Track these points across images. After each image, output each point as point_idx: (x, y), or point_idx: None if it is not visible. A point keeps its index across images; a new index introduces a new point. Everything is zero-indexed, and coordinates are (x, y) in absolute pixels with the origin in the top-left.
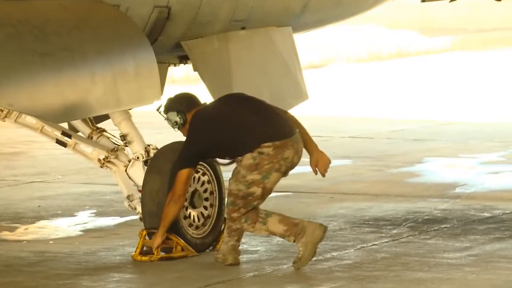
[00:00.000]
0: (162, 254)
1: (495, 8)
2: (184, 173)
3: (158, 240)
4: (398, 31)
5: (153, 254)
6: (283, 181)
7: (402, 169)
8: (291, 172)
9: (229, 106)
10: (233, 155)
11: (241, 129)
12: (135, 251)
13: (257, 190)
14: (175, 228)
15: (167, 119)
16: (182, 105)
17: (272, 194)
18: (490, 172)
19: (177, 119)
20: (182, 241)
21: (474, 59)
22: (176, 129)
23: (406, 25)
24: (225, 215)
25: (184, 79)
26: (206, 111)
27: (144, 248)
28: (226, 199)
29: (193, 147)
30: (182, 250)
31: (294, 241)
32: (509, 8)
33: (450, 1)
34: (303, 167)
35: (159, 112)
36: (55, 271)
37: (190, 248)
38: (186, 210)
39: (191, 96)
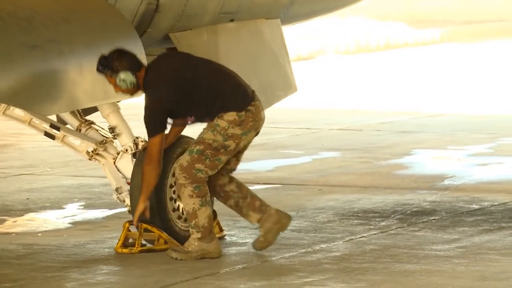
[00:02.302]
0: (144, 246)
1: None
2: (158, 139)
3: (140, 206)
4: (387, 23)
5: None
6: (272, 174)
7: (391, 161)
8: (281, 164)
9: (192, 65)
10: (207, 113)
11: (223, 88)
12: (117, 243)
13: (232, 145)
14: (164, 220)
15: (120, 80)
16: (134, 63)
17: (261, 186)
18: (479, 164)
19: (134, 80)
20: (165, 234)
21: (462, 51)
22: (124, 92)
23: (394, 17)
24: (181, 163)
25: None
26: (168, 68)
27: (130, 240)
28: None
29: (161, 108)
30: (165, 243)
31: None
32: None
33: None
34: (292, 159)
35: (100, 71)
36: (44, 264)
37: (174, 241)
38: (175, 202)
39: (132, 53)
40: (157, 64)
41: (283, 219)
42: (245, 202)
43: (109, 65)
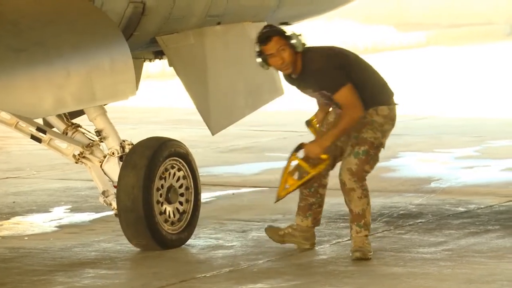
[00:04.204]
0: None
1: (469, 3)
2: (349, 87)
3: (317, 149)
4: (374, 26)
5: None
6: (259, 177)
7: (377, 164)
8: (268, 167)
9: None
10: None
11: (378, 78)
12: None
13: (385, 142)
14: (151, 223)
15: (296, 39)
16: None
17: (248, 190)
18: (465, 167)
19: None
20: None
21: (448, 54)
22: (289, 62)
23: (381, 20)
24: (350, 167)
25: (159, 74)
26: (325, 47)
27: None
28: (351, 148)
29: (334, 66)
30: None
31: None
32: (483, 3)
33: None
34: (279, 163)
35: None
36: (30, 267)
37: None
38: (162, 205)
39: None
40: (310, 48)
41: (306, 243)
42: (317, 209)
43: (275, 30)
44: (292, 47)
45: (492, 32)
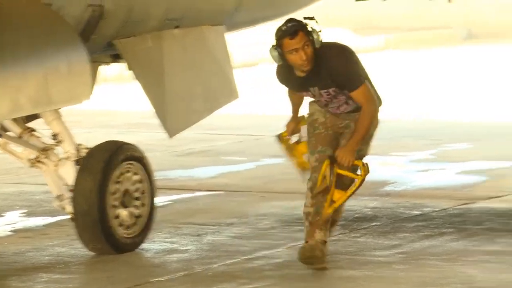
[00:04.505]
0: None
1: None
2: (366, 84)
3: (350, 156)
4: (332, 29)
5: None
6: (215, 180)
7: None
8: (224, 170)
9: None
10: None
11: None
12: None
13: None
14: (105, 227)
15: (317, 34)
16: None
17: (204, 193)
18: (421, 170)
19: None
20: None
21: (406, 57)
22: (310, 56)
23: (339, 23)
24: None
25: (117, 78)
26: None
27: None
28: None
29: (355, 64)
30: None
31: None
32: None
33: (383, 0)
34: (235, 166)
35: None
36: None
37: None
38: (117, 209)
39: None
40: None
41: (307, 261)
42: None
43: (301, 25)
44: (313, 43)
45: (449, 36)
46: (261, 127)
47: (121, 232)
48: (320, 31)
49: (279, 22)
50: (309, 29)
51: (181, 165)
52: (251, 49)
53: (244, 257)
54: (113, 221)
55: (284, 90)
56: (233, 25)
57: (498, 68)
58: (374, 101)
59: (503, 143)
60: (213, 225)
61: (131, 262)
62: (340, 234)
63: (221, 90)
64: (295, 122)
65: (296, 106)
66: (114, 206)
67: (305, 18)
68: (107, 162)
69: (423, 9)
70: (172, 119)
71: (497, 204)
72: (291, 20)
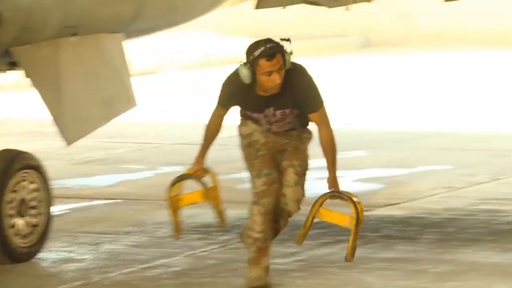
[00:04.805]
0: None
1: (327, 15)
2: (324, 107)
3: (337, 184)
4: (231, 38)
5: None
6: (112, 189)
7: (233, 175)
8: (122, 179)
9: None
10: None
11: None
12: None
13: None
14: (1, 236)
15: (286, 60)
16: None
17: (101, 202)
18: (318, 178)
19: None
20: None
21: (306, 65)
22: (278, 69)
23: (238, 31)
24: (298, 198)
25: (13, 85)
26: None
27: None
28: (297, 176)
29: (316, 85)
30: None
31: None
32: (339, 15)
33: (282, 8)
34: (133, 174)
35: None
36: None
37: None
38: (13, 219)
39: None
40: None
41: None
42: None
43: (279, 46)
44: (285, 65)
45: (347, 44)
46: (159, 136)
47: (17, 241)
48: (291, 53)
49: (176, 29)
50: (285, 51)
51: (79, 173)
52: (149, 57)
53: (142, 266)
54: (9, 230)
55: (184, 98)
56: (132, 33)
57: (394, 76)
58: (329, 122)
59: (399, 150)
60: (111, 234)
61: (27, 272)
62: (239, 242)
63: (119, 98)
64: (203, 160)
65: (208, 142)
66: (10, 216)
67: (281, 39)
68: (3, 171)
69: (321, 17)
70: (70, 127)
71: (394, 212)
72: (269, 40)
